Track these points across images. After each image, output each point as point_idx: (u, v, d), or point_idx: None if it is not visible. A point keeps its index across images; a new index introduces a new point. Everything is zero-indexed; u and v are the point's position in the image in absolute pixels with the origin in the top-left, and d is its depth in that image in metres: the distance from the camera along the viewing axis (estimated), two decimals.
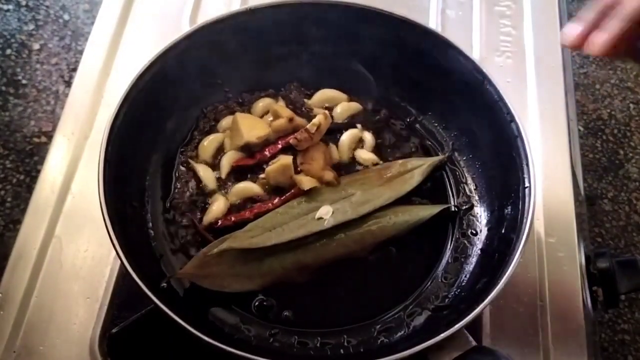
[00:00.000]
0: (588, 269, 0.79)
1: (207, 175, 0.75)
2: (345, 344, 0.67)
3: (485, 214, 0.75)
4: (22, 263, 0.74)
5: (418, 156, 0.80)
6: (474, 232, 0.75)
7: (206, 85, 0.81)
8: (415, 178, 0.76)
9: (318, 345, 0.67)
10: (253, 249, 0.66)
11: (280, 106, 0.79)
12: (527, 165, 0.68)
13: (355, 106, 0.82)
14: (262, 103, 0.81)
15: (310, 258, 0.69)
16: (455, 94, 0.78)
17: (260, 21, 0.78)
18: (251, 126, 0.76)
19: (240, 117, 0.77)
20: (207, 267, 0.65)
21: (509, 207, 0.70)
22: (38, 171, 0.82)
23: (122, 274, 0.74)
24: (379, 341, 0.67)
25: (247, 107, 0.82)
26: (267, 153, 0.75)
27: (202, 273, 0.65)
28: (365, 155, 0.78)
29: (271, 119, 0.78)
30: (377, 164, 0.78)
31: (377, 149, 0.80)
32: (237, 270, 0.67)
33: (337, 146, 0.79)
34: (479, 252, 0.73)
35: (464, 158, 0.80)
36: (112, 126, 0.66)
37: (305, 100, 0.83)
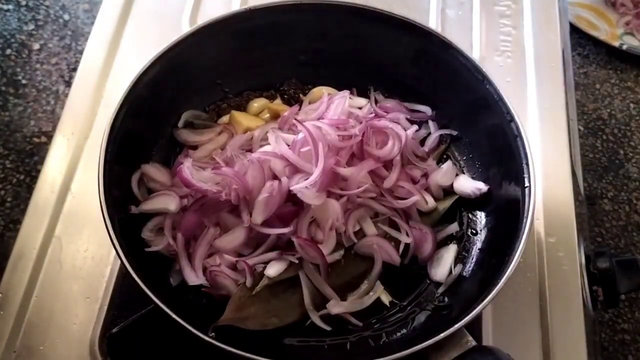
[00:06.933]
0: (588, 268, 0.79)
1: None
2: (345, 343, 0.67)
3: (485, 214, 0.75)
4: (22, 263, 0.74)
5: None
6: (474, 232, 0.75)
7: (206, 85, 0.81)
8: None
9: (318, 344, 0.67)
10: (283, 280, 0.66)
11: (277, 104, 0.82)
12: (527, 165, 0.68)
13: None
14: (257, 103, 0.83)
15: (338, 277, 0.69)
16: (455, 94, 0.78)
17: (259, 21, 0.78)
18: (248, 118, 0.80)
19: (237, 114, 0.80)
20: (245, 309, 0.65)
21: (509, 207, 0.70)
22: (38, 171, 0.82)
23: (122, 274, 0.74)
24: (380, 341, 0.67)
25: (245, 106, 0.83)
26: None
27: (242, 316, 0.64)
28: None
29: (267, 116, 0.81)
30: None
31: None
32: (274, 305, 0.66)
33: None
34: (478, 252, 0.73)
35: (464, 158, 0.80)
36: (112, 126, 0.66)
37: (302, 96, 0.83)
